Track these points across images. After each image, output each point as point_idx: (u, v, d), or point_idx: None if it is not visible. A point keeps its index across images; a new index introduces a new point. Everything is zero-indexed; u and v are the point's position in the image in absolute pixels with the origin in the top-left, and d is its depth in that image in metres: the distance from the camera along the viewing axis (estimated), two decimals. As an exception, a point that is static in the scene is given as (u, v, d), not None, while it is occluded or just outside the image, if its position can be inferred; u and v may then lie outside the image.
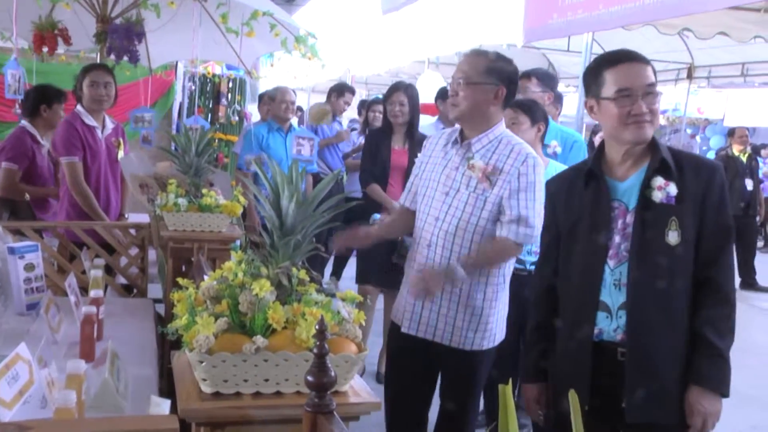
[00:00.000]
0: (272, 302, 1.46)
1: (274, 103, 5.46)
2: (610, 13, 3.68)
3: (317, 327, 1.15)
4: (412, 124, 4.56)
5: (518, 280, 3.03)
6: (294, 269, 1.55)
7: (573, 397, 1.26)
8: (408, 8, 7.48)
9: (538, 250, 2.62)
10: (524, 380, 2.47)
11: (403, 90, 4.52)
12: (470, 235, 2.65)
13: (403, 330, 2.75)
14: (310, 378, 1.14)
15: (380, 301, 4.61)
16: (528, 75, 3.96)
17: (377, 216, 4.31)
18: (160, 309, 3.29)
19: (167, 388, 2.21)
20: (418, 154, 2.96)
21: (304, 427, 1.13)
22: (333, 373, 1.16)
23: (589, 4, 3.77)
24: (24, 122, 4.61)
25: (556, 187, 2.41)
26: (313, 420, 1.12)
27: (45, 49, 4.79)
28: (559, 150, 3.87)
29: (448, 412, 2.83)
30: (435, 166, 2.78)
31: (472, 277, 2.63)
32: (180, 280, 1.63)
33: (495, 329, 2.75)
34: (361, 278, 4.56)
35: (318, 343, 1.15)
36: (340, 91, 6.85)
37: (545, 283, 2.39)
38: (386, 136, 4.60)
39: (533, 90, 3.90)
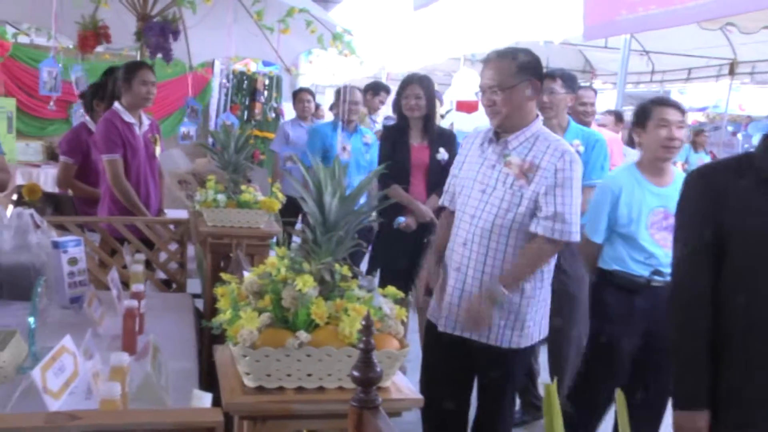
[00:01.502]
0: (315, 298, 1.47)
1: (339, 102, 5.36)
2: (687, 9, 3.54)
3: (363, 323, 1.15)
4: (429, 118, 4.37)
5: (654, 292, 2.96)
6: (336, 265, 1.55)
7: (620, 397, 1.25)
8: (443, 5, 7.44)
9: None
10: (686, 407, 2.09)
11: (417, 82, 4.32)
12: (506, 231, 2.64)
13: (440, 329, 2.74)
14: (356, 373, 1.15)
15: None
16: (553, 75, 3.89)
17: (401, 219, 4.25)
18: (199, 304, 3.32)
19: (206, 382, 2.23)
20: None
21: (350, 423, 1.14)
22: (379, 369, 1.16)
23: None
24: (85, 118, 4.69)
25: (719, 182, 2.04)
26: (359, 415, 1.12)
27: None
28: (581, 149, 3.81)
29: (484, 411, 2.82)
30: (472, 165, 2.78)
31: (515, 291, 2.63)
32: (223, 275, 1.64)
33: (533, 328, 2.73)
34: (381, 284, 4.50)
35: (364, 338, 1.15)
36: (375, 89, 6.84)
37: (703, 295, 2.03)
38: (403, 132, 4.40)
39: (558, 90, 3.84)
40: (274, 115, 9.00)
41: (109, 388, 1.53)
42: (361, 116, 6.33)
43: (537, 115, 2.73)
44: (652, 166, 3.07)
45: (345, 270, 1.57)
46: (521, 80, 2.61)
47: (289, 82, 9.12)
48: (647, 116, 3.05)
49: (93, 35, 4.80)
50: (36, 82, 6.05)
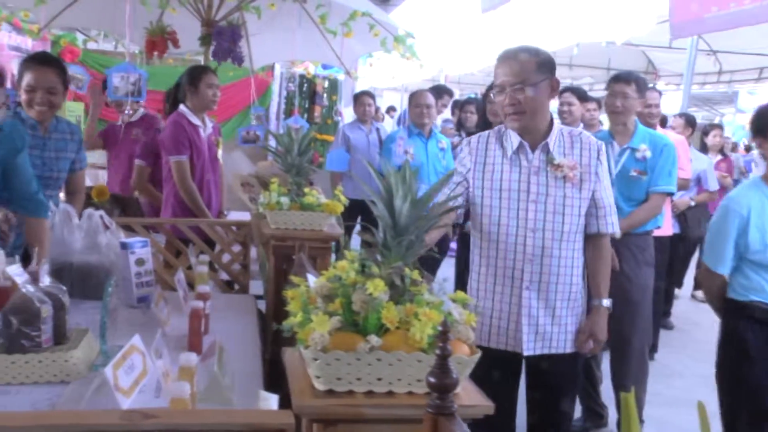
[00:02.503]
0: (385, 302, 1.46)
1: (411, 106, 5.31)
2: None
3: (440, 328, 1.14)
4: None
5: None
6: (407, 269, 1.54)
7: (701, 408, 1.21)
8: (503, 7, 7.39)
9: None
10: None
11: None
12: (573, 236, 2.58)
13: (527, 353, 2.60)
14: (432, 379, 1.14)
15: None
16: (628, 79, 3.79)
17: None
18: (261, 305, 3.35)
19: (267, 383, 2.24)
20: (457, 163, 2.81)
21: (425, 429, 1.13)
22: (455, 375, 1.15)
23: None
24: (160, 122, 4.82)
25: None
26: (435, 421, 1.11)
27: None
28: (648, 154, 3.73)
29: (543, 419, 2.75)
30: (502, 174, 2.60)
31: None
32: (293, 278, 1.65)
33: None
34: None
35: (441, 344, 1.14)
36: (438, 93, 6.81)
37: None
38: None
39: (632, 95, 3.75)
40: (337, 118, 9.04)
41: (179, 388, 1.55)
42: None
43: (552, 114, 2.67)
44: None
45: (415, 274, 1.56)
46: (544, 78, 2.51)
47: (348, 85, 9.16)
48: None
49: (161, 40, 4.91)
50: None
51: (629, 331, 3.83)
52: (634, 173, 3.74)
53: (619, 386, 3.91)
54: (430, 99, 5.24)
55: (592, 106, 5.54)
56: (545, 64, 2.53)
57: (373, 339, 1.42)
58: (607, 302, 2.64)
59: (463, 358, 1.45)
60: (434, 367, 1.14)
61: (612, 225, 2.62)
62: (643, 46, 10.01)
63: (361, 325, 1.48)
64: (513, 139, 2.59)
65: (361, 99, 6.86)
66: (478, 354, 1.51)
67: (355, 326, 1.49)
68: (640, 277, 3.82)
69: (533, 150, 2.58)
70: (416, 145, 5.21)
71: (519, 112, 2.52)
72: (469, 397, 1.47)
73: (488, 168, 2.64)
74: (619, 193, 3.70)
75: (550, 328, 2.61)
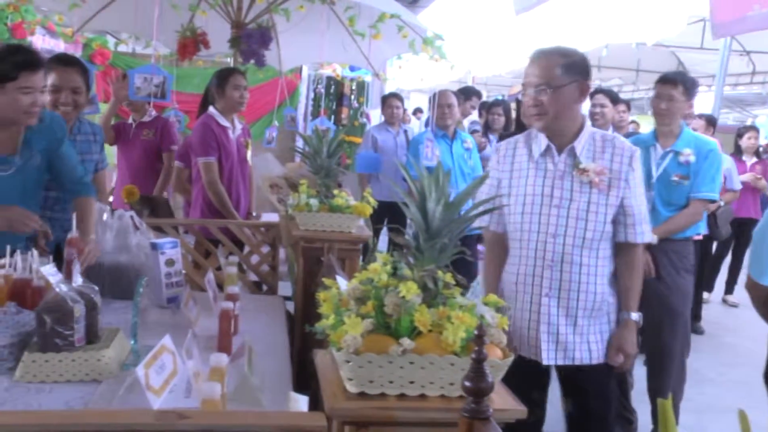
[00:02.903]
0: (418, 305, 1.46)
1: (434, 107, 5.20)
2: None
3: (476, 332, 1.13)
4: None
5: None
6: (440, 272, 1.53)
7: (743, 418, 1.18)
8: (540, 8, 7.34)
9: None
10: None
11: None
12: (597, 243, 2.50)
13: (548, 362, 2.56)
14: (467, 383, 1.13)
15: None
16: (674, 81, 3.68)
17: None
18: (289, 306, 3.36)
19: (297, 384, 2.24)
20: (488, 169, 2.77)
21: (461, 433, 1.12)
22: (491, 379, 1.14)
23: None
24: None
25: None
26: (470, 426, 1.10)
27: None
28: (692, 159, 3.64)
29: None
30: (529, 179, 2.58)
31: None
32: (325, 280, 1.65)
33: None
34: None
35: (477, 348, 1.13)
36: (466, 94, 6.78)
37: None
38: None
39: (678, 97, 3.64)
40: (364, 120, 9.06)
41: (210, 388, 1.56)
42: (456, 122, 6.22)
43: (584, 115, 2.58)
44: None
45: (448, 277, 1.55)
46: (570, 80, 2.44)
47: (375, 87, 9.17)
48: None
49: (192, 42, 4.95)
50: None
51: (669, 340, 3.74)
52: (675, 178, 3.65)
53: (656, 393, 3.82)
54: (452, 98, 5.14)
55: (622, 108, 5.50)
56: (574, 67, 2.46)
57: (406, 342, 1.41)
58: (635, 316, 2.54)
59: (497, 362, 1.44)
60: (470, 371, 1.13)
61: (642, 234, 2.51)
62: (673, 47, 9.89)
63: (394, 327, 1.47)
64: (541, 142, 2.56)
65: (389, 101, 6.86)
66: (511, 357, 1.50)
67: (387, 329, 1.48)
68: (679, 284, 3.73)
69: (560, 153, 2.53)
70: (441, 147, 5.12)
71: (541, 114, 2.48)
72: (503, 401, 1.46)
73: (515, 174, 2.62)
74: (658, 197, 3.65)
75: (572, 338, 2.53)
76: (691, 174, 3.64)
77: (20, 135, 2.77)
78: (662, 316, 3.65)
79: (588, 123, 2.58)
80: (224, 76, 4.24)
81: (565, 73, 2.44)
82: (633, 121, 11.45)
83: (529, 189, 2.56)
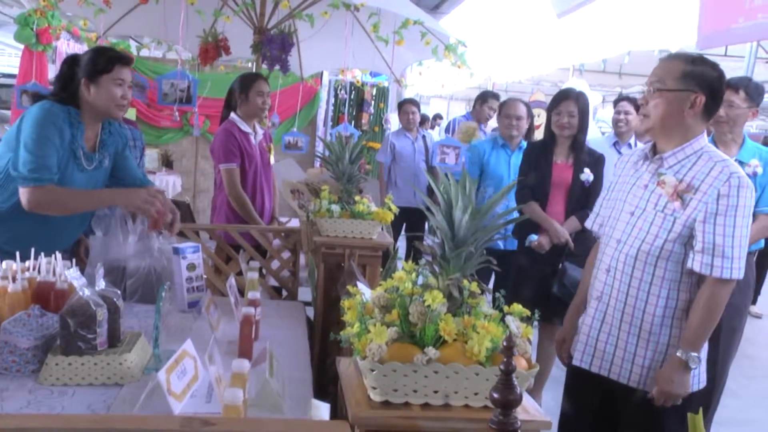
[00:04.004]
0: (443, 314, 1.45)
1: (500, 117, 5.04)
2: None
3: (505, 343, 1.12)
4: (578, 137, 4.14)
5: None
6: (465, 281, 1.52)
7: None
8: (551, 15, 7.32)
9: None
10: None
11: (574, 99, 4.09)
12: (654, 259, 2.37)
13: (575, 362, 2.55)
14: (495, 395, 1.12)
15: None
16: (736, 87, 3.49)
17: (534, 237, 4.12)
18: (308, 312, 3.35)
19: (316, 390, 2.24)
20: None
21: (488, 445, 1.11)
22: (519, 391, 1.13)
23: None
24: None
25: None
26: (497, 438, 1.09)
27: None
28: (760, 170, 3.44)
29: None
30: (623, 185, 2.54)
31: (700, 350, 2.34)
32: (350, 288, 1.64)
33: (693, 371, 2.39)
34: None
35: (506, 359, 1.12)
36: (483, 98, 6.76)
37: None
38: (548, 149, 4.19)
39: (739, 104, 3.45)
40: (386, 126, 9.06)
41: (232, 394, 1.56)
42: (474, 133, 6.11)
43: (702, 132, 2.40)
44: None
45: (473, 286, 1.54)
46: (684, 88, 2.30)
47: (395, 92, 9.18)
48: None
49: (214, 47, 4.98)
50: (154, 92, 6.34)
51: (722, 357, 3.60)
52: None
53: (695, 408, 3.72)
54: (523, 110, 4.92)
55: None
56: (693, 75, 2.31)
57: (431, 351, 1.40)
58: (681, 353, 2.31)
59: (522, 373, 1.43)
60: (498, 382, 1.12)
61: (710, 267, 2.27)
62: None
63: (418, 336, 1.47)
64: (647, 149, 2.52)
65: (405, 107, 6.86)
66: (536, 368, 1.48)
67: (412, 338, 1.47)
68: (738, 300, 3.49)
69: (652, 162, 2.45)
70: (499, 156, 4.93)
71: (644, 114, 2.41)
72: (528, 413, 1.45)
73: (617, 178, 2.63)
74: None
75: (611, 349, 2.46)
76: (758, 187, 3.44)
77: (98, 135, 2.97)
78: (718, 332, 3.54)
79: (702, 138, 2.39)
80: (248, 82, 4.25)
81: (680, 79, 2.32)
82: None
83: (621, 194, 2.54)
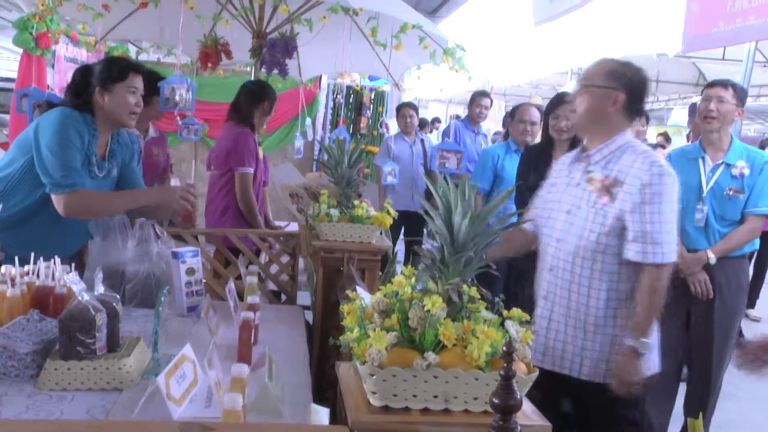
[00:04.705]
0: (443, 319, 1.45)
1: (514, 122, 5.01)
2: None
3: (504, 349, 1.12)
4: (576, 141, 4.02)
5: None
6: (465, 286, 1.52)
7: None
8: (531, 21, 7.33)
9: None
10: None
11: (572, 102, 4.15)
12: (592, 254, 2.48)
13: (532, 362, 2.59)
14: (496, 400, 1.12)
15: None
16: (724, 84, 3.54)
17: None
18: (307, 316, 3.35)
19: (315, 395, 2.24)
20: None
21: (488, 450, 1.11)
22: (519, 396, 1.13)
23: (763, 9, 3.42)
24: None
25: None
26: (497, 443, 1.09)
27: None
28: (746, 171, 3.46)
29: None
30: (559, 185, 2.67)
31: (648, 335, 2.42)
32: (349, 293, 1.64)
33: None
34: None
35: (506, 364, 1.12)
36: (472, 98, 6.74)
37: None
38: (546, 153, 4.17)
39: (728, 99, 3.48)
40: (383, 130, 9.06)
41: (232, 399, 1.56)
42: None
43: (626, 129, 2.56)
44: None
45: (473, 291, 1.54)
46: (606, 85, 2.48)
47: (394, 96, 9.18)
48: None
49: (214, 52, 4.98)
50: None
51: (717, 361, 3.59)
52: (729, 191, 3.49)
53: (697, 409, 3.63)
54: (536, 115, 4.90)
55: (641, 120, 5.42)
56: (616, 74, 2.49)
57: (431, 356, 1.40)
58: (632, 341, 2.40)
59: (522, 377, 1.43)
60: (498, 387, 1.12)
61: (643, 254, 2.38)
62: (694, 58, 9.83)
63: (418, 341, 1.47)
64: (578, 150, 2.65)
65: (402, 111, 6.86)
66: (536, 373, 1.48)
67: (412, 342, 1.47)
68: (733, 302, 3.58)
69: (581, 161, 2.59)
70: (513, 162, 4.85)
71: (572, 110, 2.60)
72: (527, 417, 1.45)
73: (553, 179, 2.75)
74: (711, 212, 3.52)
75: (560, 345, 2.54)
76: (745, 187, 3.48)
77: (108, 144, 3.01)
78: (712, 334, 3.53)
79: (626, 134, 2.55)
80: (265, 96, 4.32)
81: (604, 77, 2.49)
82: (662, 133, 11.37)
83: (557, 195, 2.65)
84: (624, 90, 2.49)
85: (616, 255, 2.46)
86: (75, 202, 2.75)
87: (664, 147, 9.42)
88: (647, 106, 12.76)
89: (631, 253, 2.41)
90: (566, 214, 2.55)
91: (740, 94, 3.56)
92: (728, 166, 3.52)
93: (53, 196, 2.75)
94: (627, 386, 2.42)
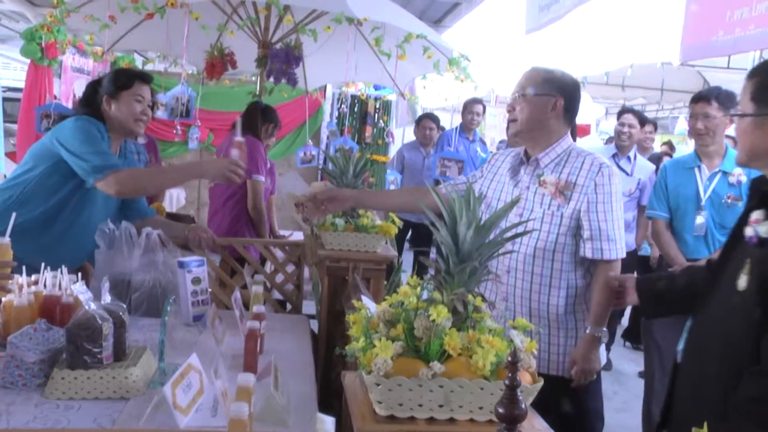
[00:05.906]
0: (448, 328, 1.45)
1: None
2: (787, 29, 3.36)
3: (509, 358, 1.13)
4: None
5: None
6: (470, 296, 1.53)
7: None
8: (555, 28, 7.33)
9: None
10: None
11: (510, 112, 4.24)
12: (550, 254, 2.57)
13: None
14: (501, 410, 1.12)
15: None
16: (707, 98, 3.61)
17: None
18: (312, 325, 3.36)
19: (320, 404, 2.24)
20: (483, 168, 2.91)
21: (493, 460, 1.11)
22: (524, 405, 1.13)
23: (763, 19, 3.45)
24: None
25: None
26: (503, 453, 1.10)
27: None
28: (743, 179, 3.51)
29: None
30: (503, 186, 2.72)
31: (605, 326, 2.57)
32: (355, 302, 1.65)
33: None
34: None
35: (510, 374, 1.12)
36: (464, 107, 6.76)
37: None
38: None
39: (713, 114, 3.54)
40: (389, 139, 9.07)
41: (238, 408, 1.56)
42: None
43: (566, 134, 2.65)
44: None
45: (478, 301, 1.55)
46: (544, 93, 2.56)
47: (400, 106, 9.20)
48: None
49: (220, 62, 5.01)
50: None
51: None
52: (728, 199, 3.53)
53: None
54: None
55: (648, 128, 5.45)
56: (552, 82, 2.58)
57: (436, 365, 1.41)
58: (595, 331, 2.54)
59: (527, 387, 1.43)
60: (503, 397, 1.13)
61: (600, 251, 2.52)
62: (699, 67, 9.84)
63: (423, 351, 1.47)
64: (521, 155, 2.71)
65: (423, 123, 6.86)
66: (541, 382, 1.49)
67: (417, 352, 1.48)
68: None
69: (528, 165, 2.65)
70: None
71: (513, 119, 2.64)
72: (533, 427, 1.45)
73: (492, 176, 2.80)
74: (710, 220, 3.54)
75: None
76: (743, 195, 3.51)
77: (118, 153, 3.08)
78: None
79: (567, 138, 2.64)
80: (272, 120, 4.47)
81: (540, 84, 2.57)
82: (666, 142, 11.35)
83: (503, 196, 2.70)
84: (561, 95, 2.58)
85: (572, 254, 2.57)
86: (127, 179, 2.82)
87: (670, 155, 9.41)
88: (652, 115, 12.76)
89: (589, 251, 2.53)
90: (518, 218, 2.61)
91: (726, 102, 3.60)
92: (725, 174, 3.59)
93: (101, 183, 2.80)
94: (587, 374, 2.55)
